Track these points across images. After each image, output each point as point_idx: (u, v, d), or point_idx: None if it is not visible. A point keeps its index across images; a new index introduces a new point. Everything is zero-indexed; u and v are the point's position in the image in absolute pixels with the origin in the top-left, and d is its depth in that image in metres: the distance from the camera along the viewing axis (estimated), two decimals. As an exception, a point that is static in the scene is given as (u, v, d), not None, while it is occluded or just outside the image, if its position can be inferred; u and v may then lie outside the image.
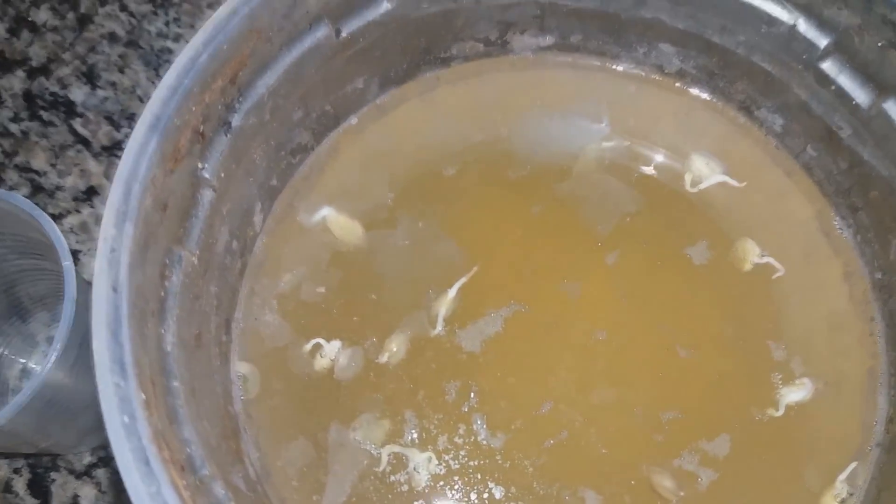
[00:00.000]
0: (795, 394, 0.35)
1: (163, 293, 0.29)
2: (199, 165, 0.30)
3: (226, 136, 0.31)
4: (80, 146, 0.51)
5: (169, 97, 0.27)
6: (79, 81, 0.53)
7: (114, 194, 0.26)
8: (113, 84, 0.53)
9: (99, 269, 0.25)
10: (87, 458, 0.44)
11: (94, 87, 0.53)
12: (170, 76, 0.27)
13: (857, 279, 0.36)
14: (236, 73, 0.30)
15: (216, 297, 0.33)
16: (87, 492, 0.44)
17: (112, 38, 0.54)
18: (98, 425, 0.43)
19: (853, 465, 0.34)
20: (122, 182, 0.26)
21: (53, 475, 0.43)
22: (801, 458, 0.34)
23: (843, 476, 0.34)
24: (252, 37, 0.30)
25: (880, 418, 0.34)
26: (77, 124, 0.52)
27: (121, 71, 0.54)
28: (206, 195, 0.31)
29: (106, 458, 0.44)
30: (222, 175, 0.31)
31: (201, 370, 0.31)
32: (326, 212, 0.38)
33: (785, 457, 0.34)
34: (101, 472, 0.44)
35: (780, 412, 0.35)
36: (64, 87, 0.53)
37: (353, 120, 0.39)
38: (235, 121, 0.31)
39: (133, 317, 0.26)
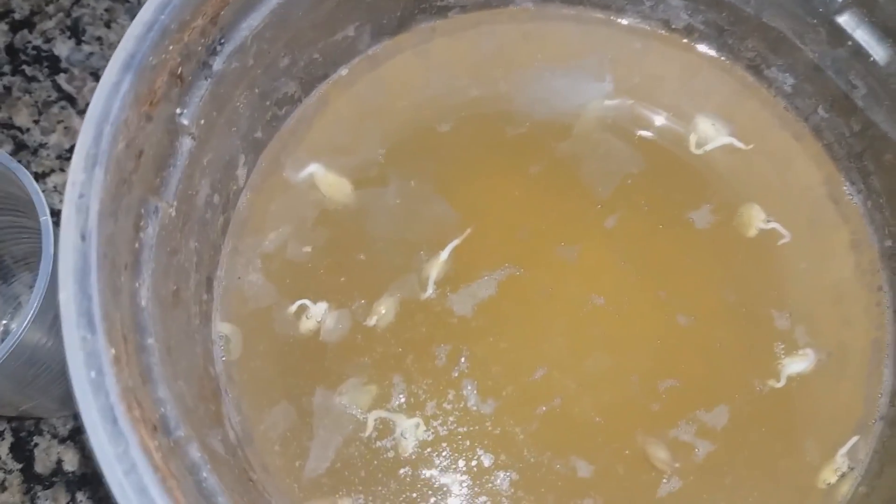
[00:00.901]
0: (797, 364, 0.34)
1: (137, 245, 0.27)
2: (178, 111, 0.28)
3: (206, 80, 0.29)
4: (64, 102, 0.50)
5: (144, 33, 0.25)
6: (63, 36, 0.52)
7: (83, 136, 0.25)
8: (99, 39, 0.52)
9: (66, 215, 0.24)
10: (72, 423, 0.43)
11: (79, 41, 0.52)
12: (145, 11, 0.26)
13: (866, 247, 0.35)
14: (217, 12, 0.28)
15: (196, 252, 0.31)
16: (70, 457, 0.43)
17: (98, -9, 0.52)
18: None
19: (855, 438, 0.33)
20: (93, 123, 0.25)
21: (37, 439, 0.42)
22: (802, 431, 0.33)
23: (843, 450, 0.33)
24: (234, -27, 0.28)
25: (885, 391, 0.33)
26: (61, 80, 0.51)
27: (107, 25, 0.52)
28: (185, 143, 0.29)
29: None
30: (202, 122, 0.30)
31: (179, 328, 0.30)
32: (314, 168, 0.36)
33: (784, 429, 0.33)
34: (84, 438, 0.43)
35: (782, 383, 0.33)
36: (48, 41, 0.51)
37: (344, 71, 0.37)
38: (216, 64, 0.29)
39: (103, 268, 0.24)
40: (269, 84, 0.33)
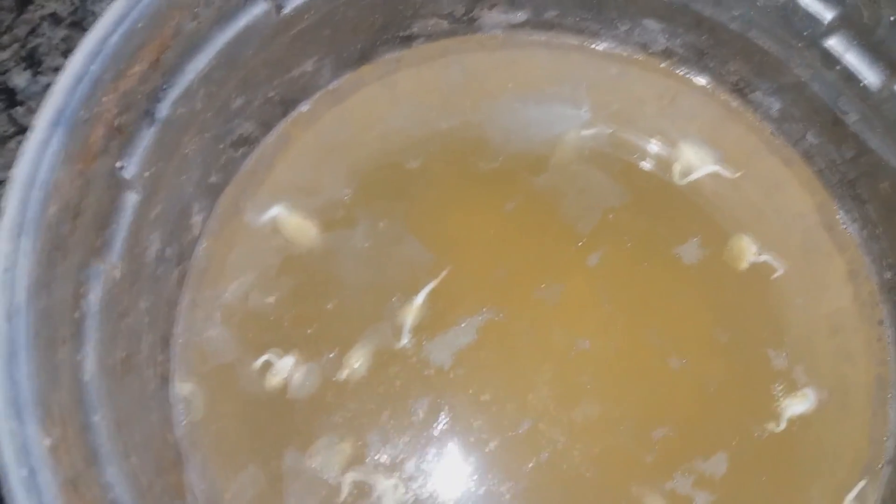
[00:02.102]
0: (798, 406, 0.32)
1: (77, 315, 0.25)
2: (118, 164, 0.26)
3: (150, 129, 0.27)
4: (21, 137, 0.48)
5: (73, 86, 0.23)
6: (18, 67, 0.49)
7: (9, 203, 0.22)
8: (56, 69, 0.49)
9: (-10, 293, 0.21)
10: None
11: (35, 72, 0.49)
12: (74, 62, 0.23)
13: (863, 279, 0.33)
14: (157, 57, 0.26)
15: (148, 312, 0.29)
16: None
17: (54, 19, 0.50)
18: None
19: (862, 483, 0.31)
20: (19, 188, 0.22)
21: None
22: (806, 477, 0.31)
23: (851, 496, 0.31)
24: (174, 13, 0.25)
25: (892, 432, 0.31)
26: (18, 114, 0.48)
27: (64, 55, 0.50)
28: (130, 198, 0.27)
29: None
30: (148, 174, 0.27)
31: (131, 397, 0.27)
32: (276, 211, 0.34)
33: (787, 476, 0.31)
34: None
35: (782, 426, 0.31)
36: (3, 72, 0.49)
37: (305, 107, 0.35)
38: (160, 111, 0.27)
39: (36, 347, 0.22)
40: (222, 127, 0.31)
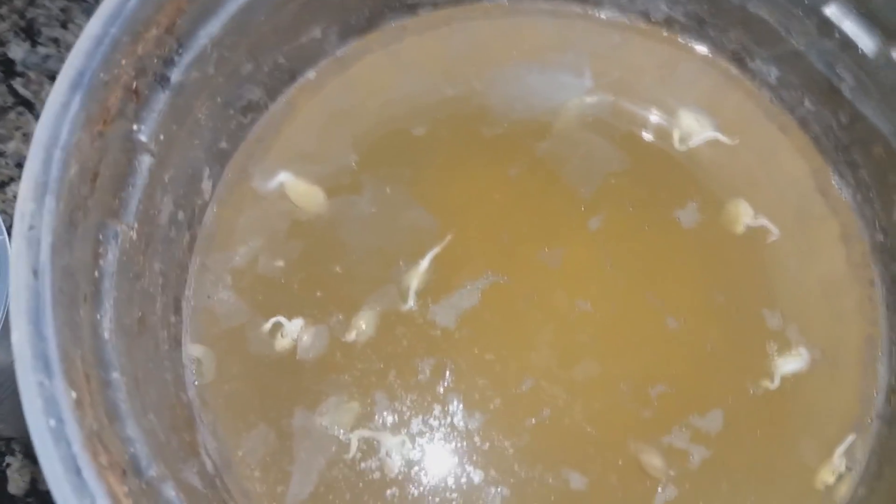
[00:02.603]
0: (791, 364, 0.33)
1: (97, 274, 0.25)
2: (134, 127, 0.27)
3: (164, 92, 0.27)
4: (21, 108, 0.48)
5: (93, 48, 0.24)
6: (17, 38, 0.50)
7: (31, 163, 0.23)
8: (55, 40, 0.50)
9: (17, 250, 0.22)
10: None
11: (34, 43, 0.50)
12: (93, 24, 0.24)
13: (856, 241, 0.34)
14: (173, 21, 0.26)
15: (161, 274, 0.30)
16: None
17: (52, -10, 0.50)
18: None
19: (852, 437, 0.32)
20: (41, 148, 0.23)
21: (8, 459, 0.41)
22: (797, 432, 0.32)
23: (840, 450, 0.32)
24: (190, -22, 0.26)
25: (881, 388, 0.32)
26: (17, 84, 0.49)
27: (63, 26, 0.50)
28: (144, 161, 0.27)
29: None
30: (162, 138, 0.28)
31: (147, 357, 0.28)
32: (284, 177, 0.34)
33: (780, 431, 0.32)
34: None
35: (776, 384, 0.33)
36: (1, 44, 0.49)
37: (311, 74, 0.35)
38: (175, 76, 0.27)
39: (60, 304, 0.23)
40: (233, 92, 0.32)
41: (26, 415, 0.21)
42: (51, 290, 0.22)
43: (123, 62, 0.25)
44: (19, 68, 0.49)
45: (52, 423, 0.21)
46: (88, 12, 0.50)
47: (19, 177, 0.46)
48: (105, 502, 0.21)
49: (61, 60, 0.49)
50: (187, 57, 0.28)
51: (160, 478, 0.25)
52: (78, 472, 0.21)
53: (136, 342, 0.27)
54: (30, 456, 0.41)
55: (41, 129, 0.23)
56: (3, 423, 0.36)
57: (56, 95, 0.23)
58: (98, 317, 0.25)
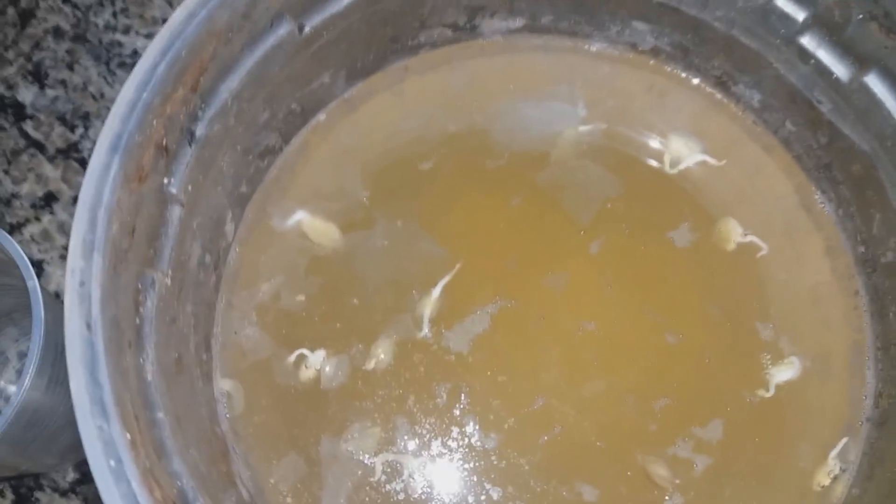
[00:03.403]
0: (785, 373, 0.35)
1: (138, 321, 0.27)
2: (165, 181, 0.28)
3: (190, 146, 0.29)
4: (33, 150, 0.49)
5: (128, 113, 0.25)
6: (25, 81, 0.51)
7: (78, 223, 0.25)
8: (62, 82, 0.51)
9: (70, 305, 0.24)
10: (71, 475, 0.43)
11: (42, 86, 0.51)
12: (127, 90, 0.26)
13: (840, 253, 0.36)
14: (197, 80, 0.28)
15: (193, 315, 0.32)
16: (74, 508, 0.43)
17: (57, 32, 0.52)
18: (79, 441, 0.42)
19: (844, 440, 0.34)
20: (87, 209, 0.25)
21: (37, 494, 0.42)
22: (794, 438, 0.34)
23: (834, 452, 0.34)
24: (211, 40, 0.28)
25: (869, 393, 0.34)
26: (28, 127, 0.50)
27: (69, 68, 0.52)
28: (175, 211, 0.29)
29: (90, 474, 0.43)
30: (189, 188, 0.30)
31: (184, 395, 0.30)
32: (300, 215, 0.36)
33: (777, 437, 0.34)
34: (86, 489, 0.43)
35: (771, 393, 0.35)
36: (10, 87, 0.50)
37: (322, 116, 0.37)
38: (199, 130, 0.29)
39: (110, 352, 0.24)
40: (251, 140, 0.34)
41: (88, 457, 0.23)
42: (102, 340, 0.24)
43: (154, 122, 0.27)
44: (29, 111, 0.50)
45: (113, 463, 0.23)
46: (94, 53, 0.52)
47: (35, 217, 0.48)
48: (164, 535, 0.22)
49: (69, 101, 0.51)
50: (210, 112, 0.30)
51: (205, 509, 0.26)
52: (139, 508, 0.22)
53: (175, 381, 0.29)
54: (58, 490, 0.43)
55: (85, 191, 0.25)
56: (33, 460, 0.38)
57: (97, 158, 0.25)
58: (141, 361, 0.27)
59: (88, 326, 0.24)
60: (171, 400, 0.28)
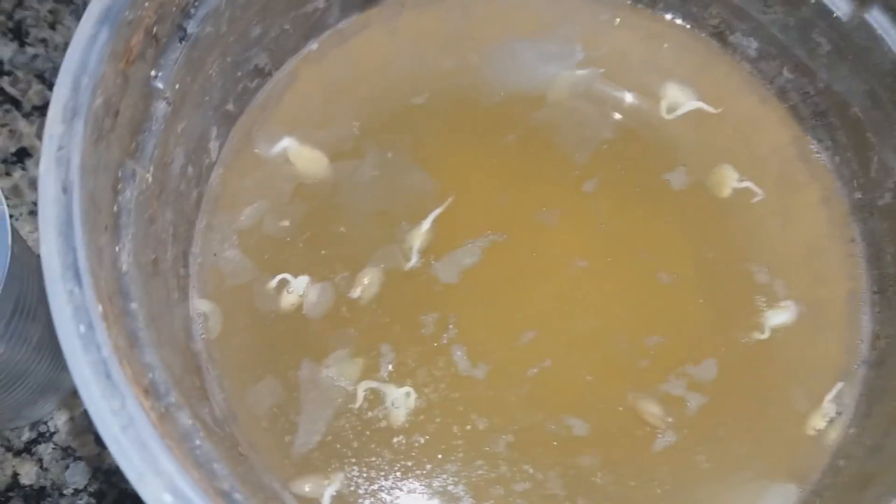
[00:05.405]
0: (780, 316, 0.34)
1: (116, 208, 0.26)
2: (153, 73, 0.27)
3: (180, 42, 0.28)
4: (8, 105, 0.49)
5: (120, -14, 0.25)
6: (5, 38, 0.50)
7: (60, 89, 0.23)
8: (43, 41, 0.50)
9: (45, 167, 0.23)
10: (27, 434, 0.41)
11: (22, 43, 0.50)
12: (120, -37, 0.25)
13: (836, 202, 0.36)
14: (192, -30, 0.27)
15: (172, 224, 0.30)
16: (27, 469, 0.41)
17: (40, -8, 0.51)
18: (36, 398, 0.40)
19: (840, 385, 0.33)
20: (70, 75, 0.24)
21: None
22: (788, 381, 0.33)
23: (830, 396, 0.33)
24: (209, -69, 0.27)
25: (865, 337, 0.34)
26: (5, 83, 0.49)
27: (51, 27, 0.51)
28: (160, 108, 0.28)
29: (47, 434, 0.41)
30: (177, 87, 0.29)
31: (159, 299, 0.29)
32: (287, 142, 0.35)
33: (772, 379, 0.33)
34: (42, 448, 0.41)
35: (766, 335, 0.34)
36: (-12, 44, 0.50)
37: (314, 45, 0.37)
38: (191, 27, 0.29)
39: (86, 223, 0.23)
40: (241, 54, 0.33)
41: (56, 323, 0.21)
42: (79, 208, 0.23)
43: (146, 4, 0.26)
44: (7, 67, 0.50)
45: (82, 328, 0.21)
46: (76, 13, 0.51)
47: (5, 173, 0.47)
48: (134, 405, 0.21)
49: (49, 60, 0.50)
50: (202, 10, 0.29)
51: (178, 406, 0.25)
52: (108, 375, 0.21)
53: (151, 282, 0.28)
54: (11, 449, 0.41)
55: (69, 58, 0.24)
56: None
57: (84, 27, 0.24)
58: (117, 249, 0.26)
59: (64, 190, 0.22)
60: (146, 296, 0.27)
